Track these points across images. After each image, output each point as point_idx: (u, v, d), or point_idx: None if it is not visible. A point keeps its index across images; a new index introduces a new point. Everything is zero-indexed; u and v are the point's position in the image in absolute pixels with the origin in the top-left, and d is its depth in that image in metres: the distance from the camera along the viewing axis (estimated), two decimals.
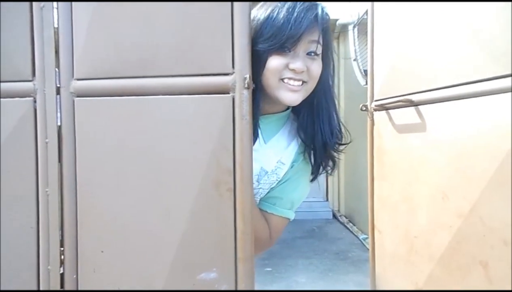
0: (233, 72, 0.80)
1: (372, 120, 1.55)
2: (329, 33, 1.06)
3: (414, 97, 1.27)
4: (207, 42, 0.81)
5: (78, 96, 0.82)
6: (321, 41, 1.00)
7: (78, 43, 0.81)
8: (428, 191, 1.22)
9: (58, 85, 0.83)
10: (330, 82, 1.12)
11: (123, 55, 0.82)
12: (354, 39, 4.50)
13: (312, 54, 1.00)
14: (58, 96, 0.83)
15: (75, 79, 0.82)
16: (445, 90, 1.15)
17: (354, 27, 4.47)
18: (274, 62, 0.96)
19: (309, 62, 1.00)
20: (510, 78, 0.94)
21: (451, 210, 1.13)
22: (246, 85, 0.80)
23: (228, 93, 0.81)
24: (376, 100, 1.51)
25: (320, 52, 1.02)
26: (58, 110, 0.83)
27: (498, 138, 0.98)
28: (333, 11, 4.54)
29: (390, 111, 1.44)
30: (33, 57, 0.82)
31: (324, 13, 1.01)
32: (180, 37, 0.81)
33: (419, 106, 1.27)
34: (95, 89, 0.82)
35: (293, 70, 0.97)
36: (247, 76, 0.79)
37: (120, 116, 0.82)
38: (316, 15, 0.97)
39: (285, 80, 0.98)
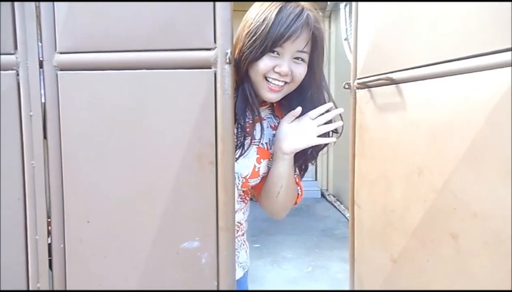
0: (215, 47, 0.82)
1: (355, 98, 1.58)
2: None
3: (395, 75, 1.29)
4: (189, 17, 0.82)
5: (61, 70, 0.83)
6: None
7: (60, 16, 0.81)
8: (405, 167, 1.26)
9: (41, 59, 0.83)
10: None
11: (106, 29, 0.82)
12: (345, 19, 4.47)
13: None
14: (41, 69, 0.83)
15: (57, 52, 0.83)
16: (423, 69, 1.18)
17: (345, 6, 4.44)
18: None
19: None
20: (483, 57, 0.98)
21: (426, 185, 1.17)
22: (227, 60, 0.81)
23: (210, 68, 0.82)
24: (358, 78, 1.54)
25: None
26: (42, 85, 0.84)
27: (471, 116, 1.02)
28: None
29: (371, 89, 1.47)
30: (14, 30, 0.82)
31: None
32: (163, 12, 0.82)
33: (399, 85, 1.30)
34: (78, 63, 0.83)
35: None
36: (229, 51, 0.81)
37: (103, 90, 0.83)
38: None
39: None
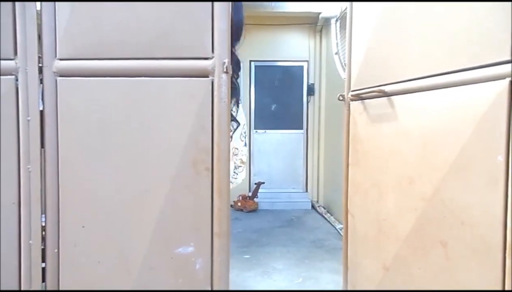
0: (213, 57, 0.84)
1: (349, 109, 1.61)
2: None
3: (387, 88, 1.33)
4: (188, 28, 0.84)
5: (60, 76, 0.84)
6: None
7: (61, 24, 0.83)
8: (396, 177, 1.29)
9: (41, 65, 0.84)
10: None
11: (106, 37, 0.84)
12: (336, 33, 4.57)
13: None
14: (40, 75, 0.84)
15: (57, 59, 0.84)
16: (414, 82, 1.22)
17: (336, 21, 4.54)
18: None
19: None
20: (470, 71, 1.02)
21: (416, 194, 1.20)
22: (224, 69, 0.83)
23: (208, 76, 0.84)
24: (352, 91, 1.57)
25: None
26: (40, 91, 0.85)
27: (458, 127, 1.05)
28: (316, 5, 4.59)
29: (365, 101, 1.50)
30: (15, 36, 0.83)
31: None
32: (162, 22, 0.84)
33: (391, 97, 1.34)
34: (77, 70, 0.85)
35: None
36: (226, 60, 0.83)
37: (102, 97, 0.85)
38: None
39: None
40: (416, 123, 1.21)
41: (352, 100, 1.59)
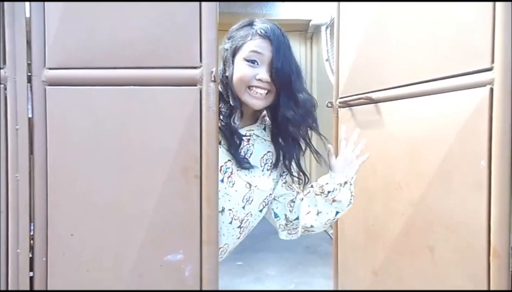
0: (201, 66, 0.85)
1: (337, 116, 1.64)
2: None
3: (374, 95, 1.36)
4: (177, 37, 0.85)
5: (49, 85, 0.85)
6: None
7: (50, 33, 0.84)
8: (384, 183, 1.31)
9: (30, 74, 0.85)
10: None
11: (95, 46, 0.85)
12: (326, 40, 4.62)
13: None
14: (29, 84, 0.85)
15: (47, 68, 0.85)
16: (400, 89, 1.24)
17: (326, 28, 4.59)
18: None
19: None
20: (454, 78, 1.05)
21: (404, 199, 1.22)
22: (212, 78, 0.85)
23: (196, 85, 0.85)
24: (340, 98, 1.60)
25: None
26: (29, 100, 0.85)
27: (443, 132, 1.08)
28: (306, 12, 4.65)
29: (352, 108, 1.53)
30: (3, 45, 0.83)
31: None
32: (151, 31, 0.85)
33: (378, 104, 1.36)
34: (66, 79, 0.85)
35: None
36: (214, 69, 0.85)
37: (91, 106, 0.85)
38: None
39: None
40: (402, 129, 1.23)
41: (340, 107, 1.61)
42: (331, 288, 1.71)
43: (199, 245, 0.86)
